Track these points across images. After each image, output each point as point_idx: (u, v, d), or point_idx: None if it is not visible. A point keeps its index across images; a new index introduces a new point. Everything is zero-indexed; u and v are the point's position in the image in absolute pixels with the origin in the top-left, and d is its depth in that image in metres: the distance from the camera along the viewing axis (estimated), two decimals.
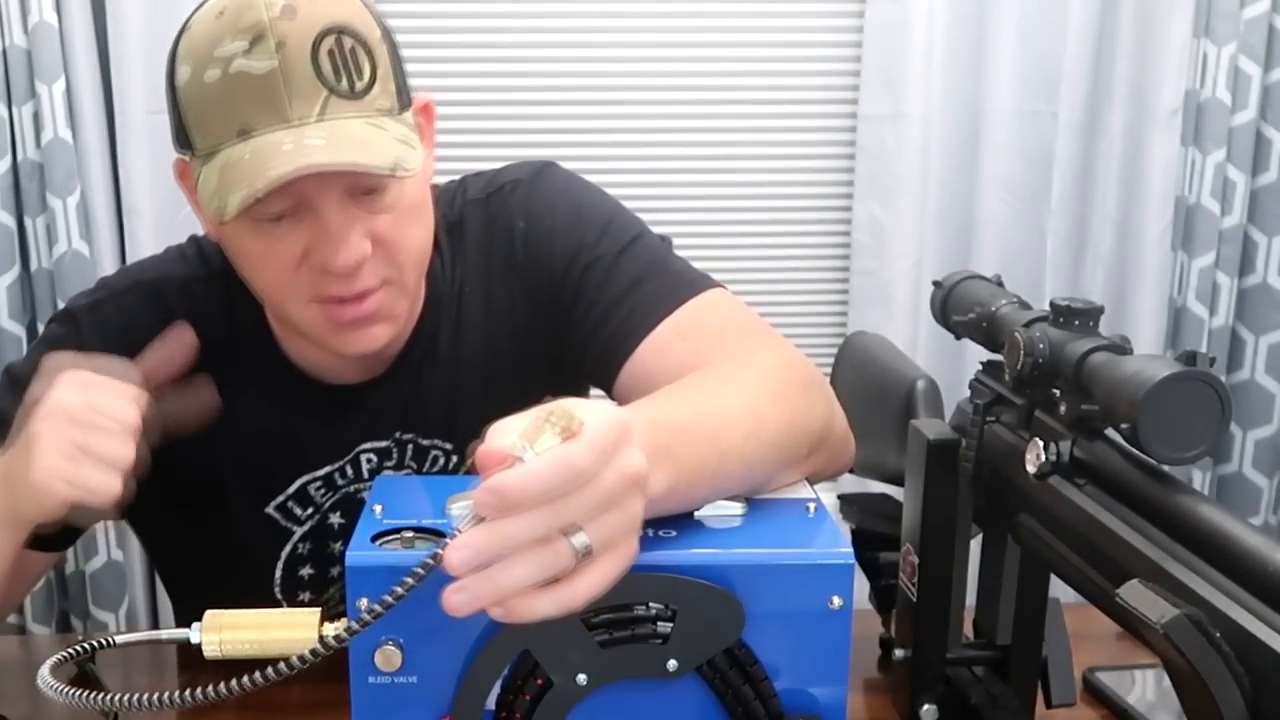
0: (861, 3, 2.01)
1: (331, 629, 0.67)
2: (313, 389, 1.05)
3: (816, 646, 0.68)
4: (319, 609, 0.69)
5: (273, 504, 1.06)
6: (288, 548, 1.08)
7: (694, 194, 2.09)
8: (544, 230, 1.03)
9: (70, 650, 0.70)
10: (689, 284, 1.01)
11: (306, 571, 1.09)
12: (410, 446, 1.07)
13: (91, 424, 0.82)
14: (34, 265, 1.93)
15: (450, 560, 0.59)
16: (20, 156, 1.88)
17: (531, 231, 1.04)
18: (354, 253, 0.89)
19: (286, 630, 0.68)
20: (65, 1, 1.83)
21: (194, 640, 0.68)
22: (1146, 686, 0.97)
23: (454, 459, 1.08)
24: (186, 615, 0.84)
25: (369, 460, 1.07)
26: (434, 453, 1.08)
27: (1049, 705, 0.86)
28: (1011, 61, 2.02)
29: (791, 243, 2.15)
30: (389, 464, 1.07)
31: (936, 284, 0.89)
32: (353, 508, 1.07)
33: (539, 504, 0.59)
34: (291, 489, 1.06)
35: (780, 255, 2.15)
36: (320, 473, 1.06)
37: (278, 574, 1.09)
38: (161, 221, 1.92)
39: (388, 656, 0.66)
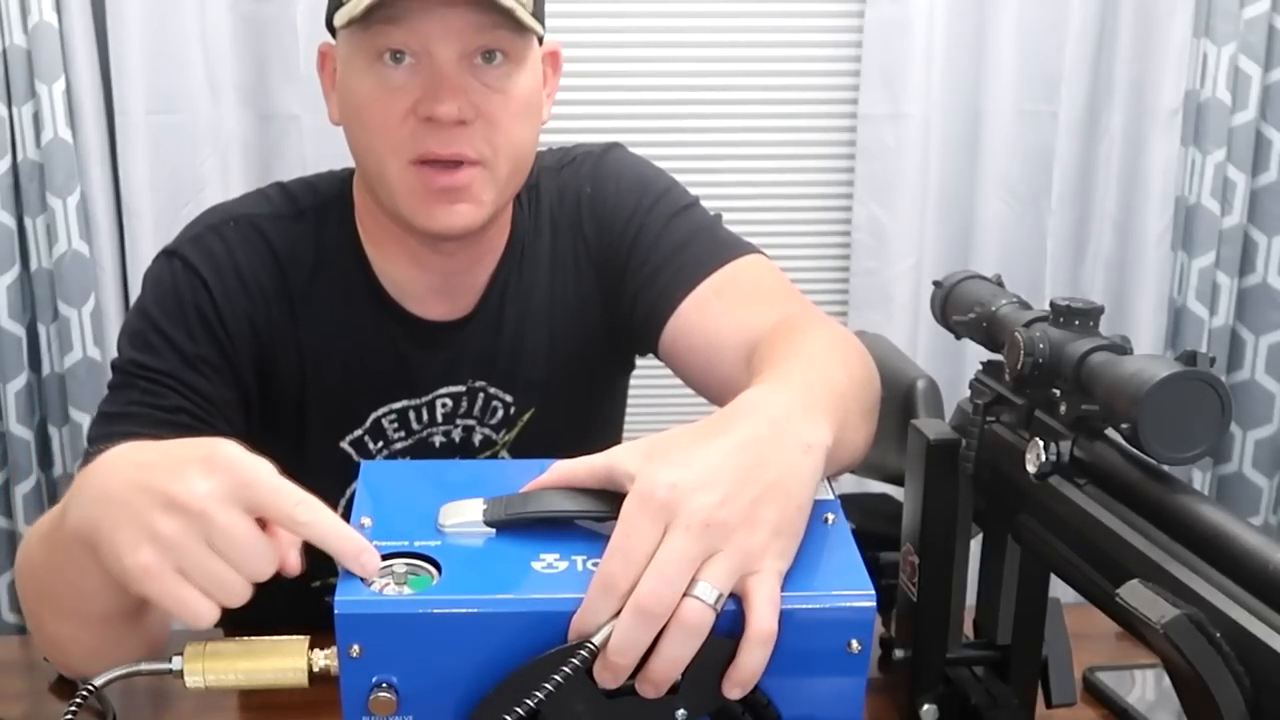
0: (861, 3, 2.01)
1: (321, 658, 0.64)
2: (402, 320, 1.08)
3: (832, 690, 0.65)
4: (306, 636, 0.66)
5: (348, 438, 1.09)
6: (354, 485, 1.10)
7: (694, 194, 2.09)
8: (608, 195, 1.12)
9: (76, 701, 0.66)
10: (730, 248, 1.09)
11: None
12: (481, 395, 1.11)
13: (222, 552, 0.64)
14: (34, 265, 1.93)
15: (605, 681, 0.61)
16: (20, 156, 1.88)
17: (596, 196, 1.13)
18: (457, 104, 0.94)
19: (273, 659, 0.65)
20: (65, 1, 1.83)
21: (175, 670, 0.65)
22: (1146, 686, 0.97)
23: (512, 410, 1.12)
24: None
25: (444, 405, 1.11)
26: (495, 403, 1.12)
27: (1049, 705, 0.86)
28: (1011, 61, 2.02)
29: (791, 243, 2.15)
30: (460, 411, 1.11)
31: (936, 284, 0.89)
32: (425, 455, 1.11)
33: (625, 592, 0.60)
34: (368, 422, 1.09)
35: (780, 255, 2.12)
36: (396, 406, 1.09)
37: (338, 512, 1.09)
38: (161, 221, 1.92)
39: (382, 702, 0.62)
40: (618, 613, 0.60)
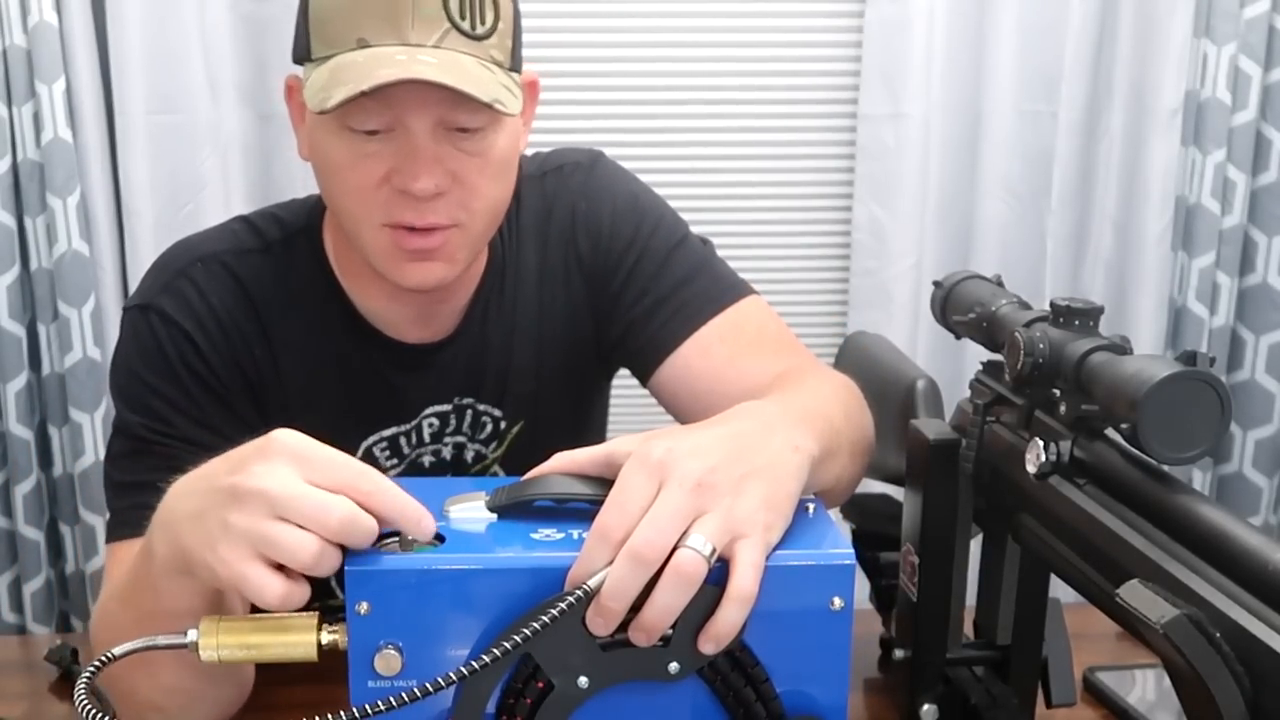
0: (861, 3, 2.01)
1: (329, 633, 0.67)
2: (384, 347, 1.07)
3: (817, 647, 0.68)
4: (316, 613, 0.68)
5: None
6: None
7: (694, 194, 2.09)
8: (604, 213, 1.10)
9: (86, 676, 0.66)
10: (731, 289, 1.09)
11: None
12: (469, 412, 1.10)
13: (294, 519, 0.66)
14: (34, 265, 1.93)
15: (597, 628, 0.65)
16: (20, 156, 1.88)
17: (592, 213, 1.10)
18: (434, 180, 0.92)
19: (284, 634, 0.67)
20: (65, 1, 1.83)
21: (190, 644, 0.67)
22: (1146, 686, 0.98)
23: (502, 425, 1.12)
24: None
25: (430, 425, 1.10)
26: (484, 418, 1.11)
27: (1049, 705, 0.86)
28: (1011, 61, 2.02)
29: (791, 243, 2.15)
30: (448, 429, 1.10)
31: (936, 284, 0.89)
32: (415, 476, 1.09)
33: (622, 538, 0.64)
34: (359, 453, 1.08)
35: (780, 255, 2.15)
36: (386, 433, 1.08)
37: None
38: (161, 222, 1.92)
39: (388, 661, 0.65)
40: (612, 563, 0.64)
